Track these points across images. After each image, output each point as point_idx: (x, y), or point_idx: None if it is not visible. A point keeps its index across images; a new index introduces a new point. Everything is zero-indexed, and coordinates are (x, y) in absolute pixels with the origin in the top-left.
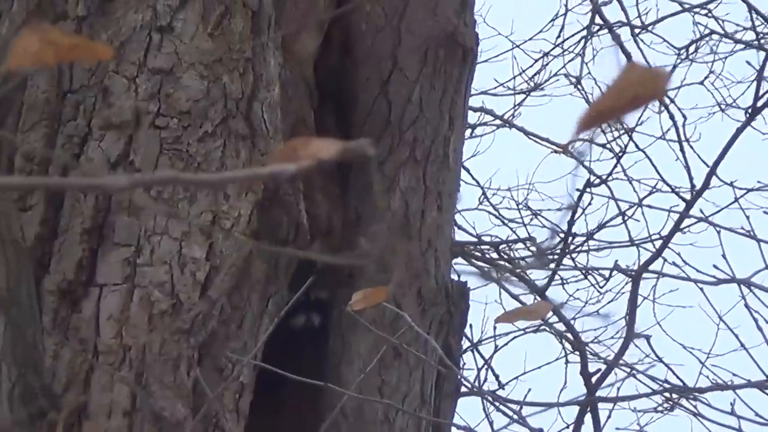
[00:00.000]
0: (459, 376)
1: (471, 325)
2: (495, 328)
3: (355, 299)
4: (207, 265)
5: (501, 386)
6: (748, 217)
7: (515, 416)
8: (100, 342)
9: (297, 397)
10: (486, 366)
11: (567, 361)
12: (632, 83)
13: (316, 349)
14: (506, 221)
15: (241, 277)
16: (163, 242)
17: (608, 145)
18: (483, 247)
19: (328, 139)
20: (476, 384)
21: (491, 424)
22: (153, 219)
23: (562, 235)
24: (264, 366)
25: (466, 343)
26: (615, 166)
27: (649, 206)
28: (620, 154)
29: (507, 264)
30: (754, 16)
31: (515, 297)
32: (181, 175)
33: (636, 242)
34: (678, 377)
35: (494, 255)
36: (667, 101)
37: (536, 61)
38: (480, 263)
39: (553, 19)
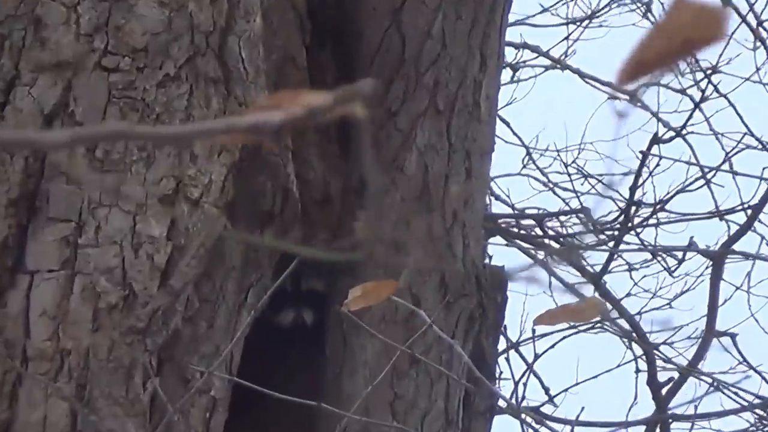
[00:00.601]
0: (494, 389)
1: (505, 326)
2: (534, 331)
3: (352, 296)
4: (168, 245)
5: (548, 401)
6: None
7: None
8: (31, 345)
9: (284, 415)
10: (528, 375)
11: (637, 369)
12: (683, 24)
13: (309, 355)
14: (555, 188)
15: (212, 261)
16: (113, 217)
17: (683, 90)
18: (525, 221)
19: (323, 90)
20: (516, 399)
21: None
22: (99, 187)
23: (623, 206)
24: (240, 382)
25: (502, 346)
26: (691, 115)
27: (734, 173)
28: (700, 102)
29: (555, 243)
30: None
31: (566, 286)
32: (135, 129)
33: (720, 213)
34: None
35: (539, 231)
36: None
37: None
38: (521, 243)
39: None
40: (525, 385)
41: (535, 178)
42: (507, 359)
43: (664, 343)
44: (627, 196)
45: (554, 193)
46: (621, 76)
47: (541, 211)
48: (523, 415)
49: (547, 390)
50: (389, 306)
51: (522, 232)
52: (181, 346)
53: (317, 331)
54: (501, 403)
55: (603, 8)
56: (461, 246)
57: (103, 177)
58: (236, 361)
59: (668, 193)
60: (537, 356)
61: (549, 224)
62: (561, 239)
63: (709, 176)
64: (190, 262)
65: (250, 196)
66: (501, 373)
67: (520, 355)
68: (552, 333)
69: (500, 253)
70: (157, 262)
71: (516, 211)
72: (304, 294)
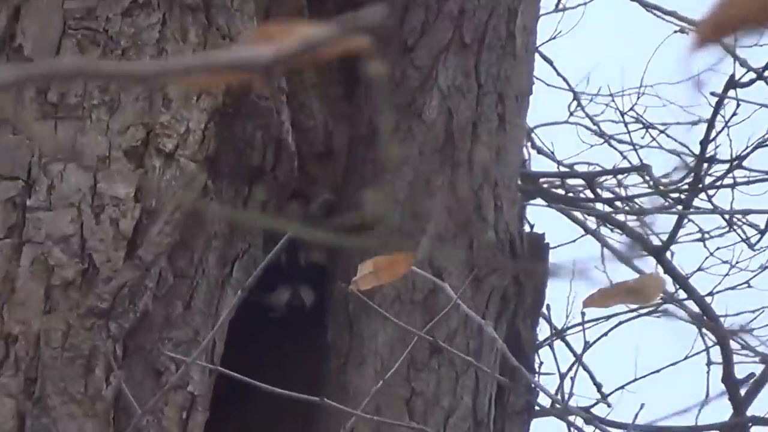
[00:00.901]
0: (533, 384)
1: (548, 306)
2: (583, 314)
3: (362, 273)
4: (136, 209)
5: (600, 400)
6: None
7: None
8: None
9: (276, 415)
10: (576, 368)
11: (709, 362)
12: None
13: (307, 343)
14: (609, 140)
15: (189, 227)
16: (69, 174)
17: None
18: (571, 181)
19: (323, 20)
20: (561, 396)
21: None
22: (52, 138)
23: (693, 162)
24: (225, 372)
25: (544, 333)
26: None
27: None
28: None
29: (609, 207)
30: None
31: (622, 259)
32: (96, 67)
33: None
34: None
35: (589, 193)
36: None
37: None
38: (568, 207)
39: None
40: (572, 379)
41: (585, 127)
42: (551, 348)
43: (742, 329)
44: (697, 150)
45: (610, 145)
46: (700, 36)
47: (591, 168)
48: (570, 416)
49: (599, 387)
50: (405, 283)
51: (569, 194)
52: (151, 331)
53: (317, 313)
54: (542, 400)
55: None
56: (492, 209)
57: (57, 125)
58: (219, 349)
59: (747, 148)
60: (587, 345)
61: (601, 184)
62: (616, 202)
63: None
64: (162, 228)
65: (236, 148)
66: (542, 364)
67: (567, 344)
68: (605, 318)
69: (541, 219)
70: (122, 229)
71: (561, 168)
72: (302, 269)
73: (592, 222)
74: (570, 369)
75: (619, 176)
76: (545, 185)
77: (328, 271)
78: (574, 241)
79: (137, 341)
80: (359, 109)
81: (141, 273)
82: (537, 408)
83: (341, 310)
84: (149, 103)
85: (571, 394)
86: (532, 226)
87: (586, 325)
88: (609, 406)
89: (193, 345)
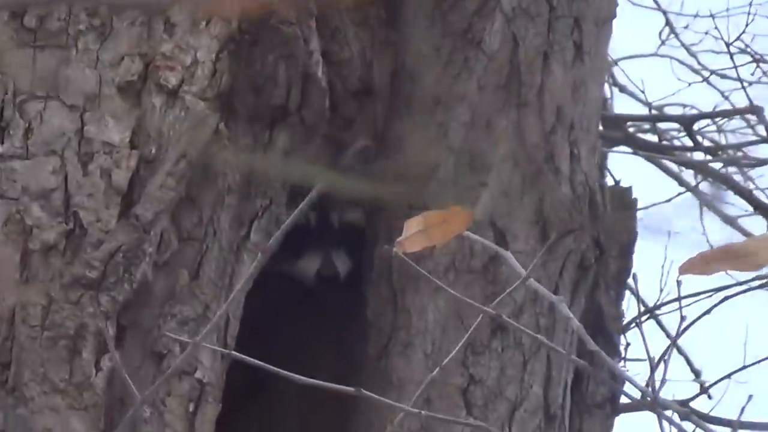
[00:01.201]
0: (617, 370)
1: (635, 276)
2: (679, 283)
3: (408, 232)
4: (133, 157)
5: (700, 392)
6: None
7: None
8: None
9: (306, 406)
10: (669, 352)
11: None
12: None
13: (342, 320)
14: (710, 77)
15: (198, 180)
16: (50, 115)
17: None
18: (665, 125)
19: None
20: (651, 387)
21: None
22: (30, 71)
23: None
24: (240, 358)
25: (632, 311)
26: None
27: None
28: None
29: (710, 156)
30: None
31: (726, 219)
32: None
33: None
34: None
35: (686, 140)
36: None
37: None
38: (659, 155)
39: None
40: (665, 365)
41: (680, 62)
42: (639, 328)
43: None
44: None
45: (708, 83)
46: None
47: (688, 110)
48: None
49: (698, 374)
50: (461, 247)
51: (661, 141)
52: (151, 306)
53: (354, 285)
54: (629, 391)
55: None
56: (567, 158)
57: (36, 56)
58: (233, 328)
59: None
60: (684, 325)
61: (700, 129)
62: (719, 151)
63: None
64: (164, 181)
65: (254, 84)
66: (628, 347)
67: (659, 324)
68: (709, 293)
69: (627, 170)
70: (115, 182)
71: (652, 110)
72: (335, 230)
73: (689, 175)
74: (664, 354)
75: (722, 120)
76: (631, 129)
77: (367, 234)
78: (669, 200)
79: (134, 318)
80: (404, 36)
81: (138, 235)
82: (624, 401)
83: (383, 281)
84: (147, 29)
85: (663, 383)
86: (617, 181)
87: (684, 300)
88: (710, 398)
89: (202, 323)
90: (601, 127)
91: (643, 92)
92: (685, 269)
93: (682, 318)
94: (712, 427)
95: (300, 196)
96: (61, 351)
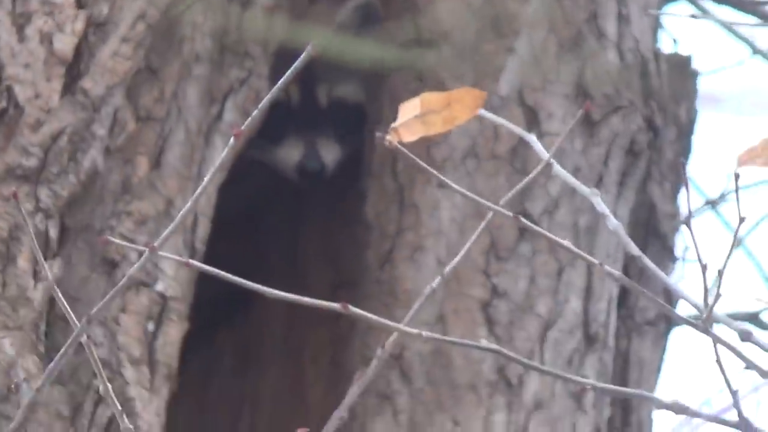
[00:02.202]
0: (670, 284)
1: (683, 163)
2: (737, 176)
3: (404, 117)
4: (79, 18)
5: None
6: None
7: None
8: None
9: (293, 323)
10: (730, 258)
11: None
12: None
13: (337, 219)
14: None
15: (159, 44)
16: None
17: None
18: None
19: None
20: (708, 302)
21: (735, 395)
22: None
23: None
24: (207, 270)
25: (694, 203)
26: None
27: None
28: None
29: None
30: None
31: None
32: None
33: None
34: None
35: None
36: None
37: None
38: (727, 16)
39: None
40: (720, 275)
41: None
42: (688, 226)
43: None
44: None
45: None
46: None
47: None
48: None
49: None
50: (483, 130)
51: None
52: (102, 202)
53: (348, 176)
54: (685, 308)
55: None
56: (614, 18)
57: None
58: (203, 230)
59: None
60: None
61: None
62: None
63: None
64: (119, 48)
65: None
66: (686, 250)
67: (723, 221)
68: None
69: (689, 33)
70: (58, 49)
71: None
72: (321, 110)
73: (764, 40)
74: (728, 260)
75: None
76: None
77: (368, 112)
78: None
79: (80, 217)
80: None
81: (86, 114)
82: (679, 318)
83: (386, 171)
84: None
85: (718, 297)
86: (676, 41)
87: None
88: None
89: (164, 222)
90: None
91: None
92: (744, 160)
93: (742, 218)
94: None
95: (286, 66)
96: None
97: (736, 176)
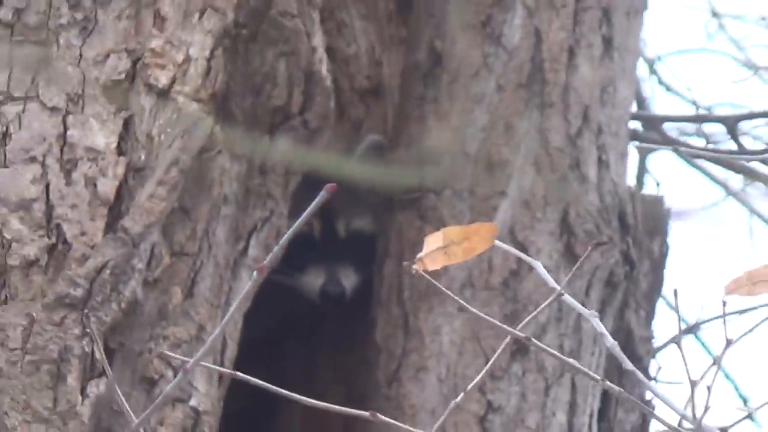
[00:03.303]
0: (657, 394)
1: (675, 291)
2: (724, 303)
3: (428, 249)
4: (120, 164)
5: (746, 416)
6: None
7: None
8: None
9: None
10: (714, 375)
11: None
12: None
13: (349, 342)
14: (759, 71)
15: (191, 189)
16: (29, 118)
17: None
18: (709, 126)
19: None
20: (690, 413)
21: None
22: (7, 68)
23: None
24: (239, 376)
25: (668, 330)
26: None
27: None
28: None
29: (762, 163)
30: None
31: None
32: None
33: None
34: None
35: (731, 143)
36: None
37: None
38: (702, 160)
39: None
40: (709, 390)
41: (728, 55)
42: (678, 345)
43: None
44: None
45: (761, 80)
46: None
47: (737, 112)
48: None
49: (745, 401)
50: (479, 263)
51: (709, 146)
52: (141, 327)
53: (361, 303)
54: (666, 419)
55: None
56: (595, 164)
57: (13, 53)
58: (231, 351)
59: None
60: (729, 344)
61: (748, 131)
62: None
63: None
64: (155, 191)
65: (253, 83)
66: (659, 371)
67: (700, 342)
68: (756, 310)
69: (667, 176)
70: (102, 192)
71: (697, 110)
72: (341, 242)
73: (738, 182)
74: (705, 375)
75: None
76: (670, 134)
77: (377, 248)
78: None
79: (122, 340)
80: (416, 30)
81: (127, 250)
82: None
83: (393, 300)
84: (135, 23)
85: (707, 409)
86: (658, 183)
87: (728, 319)
88: (757, 424)
89: (196, 345)
90: (641, 128)
91: (688, 89)
92: (731, 289)
93: (729, 341)
94: None
95: (301, 207)
96: (44, 376)
97: (723, 303)
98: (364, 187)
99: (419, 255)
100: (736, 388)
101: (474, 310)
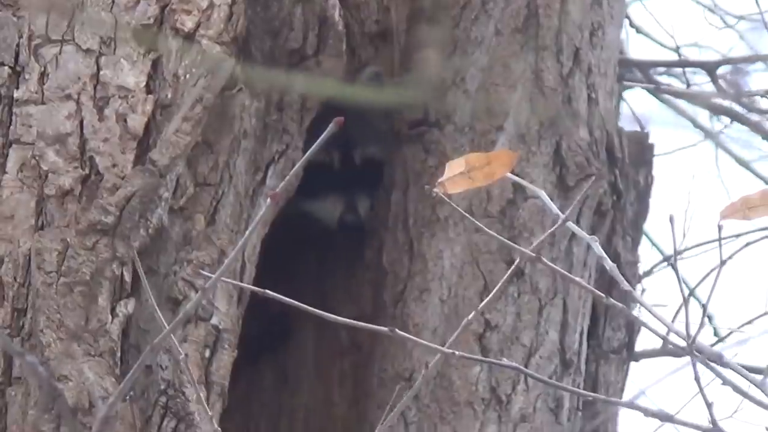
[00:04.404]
0: (653, 313)
1: (671, 217)
2: (720, 227)
3: (450, 173)
4: (148, 102)
5: (719, 340)
6: None
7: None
8: None
9: (321, 356)
10: (688, 302)
11: None
12: None
13: (359, 264)
14: (736, 23)
15: (214, 125)
16: (66, 59)
17: None
18: (689, 70)
19: None
20: (671, 332)
21: (710, 407)
22: (45, 13)
23: None
24: (261, 291)
25: (650, 255)
26: None
27: None
28: None
29: (737, 105)
30: None
31: (752, 170)
32: None
33: None
34: None
35: (711, 86)
36: None
37: None
38: (681, 101)
39: None
40: (704, 307)
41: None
42: (673, 267)
43: None
44: None
45: (740, 36)
46: None
47: (717, 58)
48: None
49: (710, 318)
50: (478, 192)
51: (686, 87)
52: (167, 251)
53: (374, 229)
54: (650, 335)
55: None
56: (585, 101)
57: None
58: (249, 273)
59: None
60: (716, 271)
61: (727, 75)
62: (746, 98)
63: None
64: (180, 126)
65: (271, 27)
66: (644, 291)
67: (676, 276)
68: (738, 236)
69: (646, 114)
70: (131, 127)
71: (677, 55)
72: (357, 170)
73: (713, 122)
74: (687, 299)
75: (752, 66)
76: (652, 74)
77: (384, 178)
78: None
79: (150, 264)
80: None
81: (154, 180)
82: (643, 348)
83: (399, 227)
84: None
85: (701, 326)
86: (641, 123)
87: (707, 247)
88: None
89: (218, 268)
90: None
91: (671, 35)
92: (726, 214)
93: (723, 261)
94: (734, 371)
95: (315, 140)
96: (77, 297)
97: (719, 227)
98: (373, 115)
99: (441, 179)
100: (707, 316)
101: (490, 231)
